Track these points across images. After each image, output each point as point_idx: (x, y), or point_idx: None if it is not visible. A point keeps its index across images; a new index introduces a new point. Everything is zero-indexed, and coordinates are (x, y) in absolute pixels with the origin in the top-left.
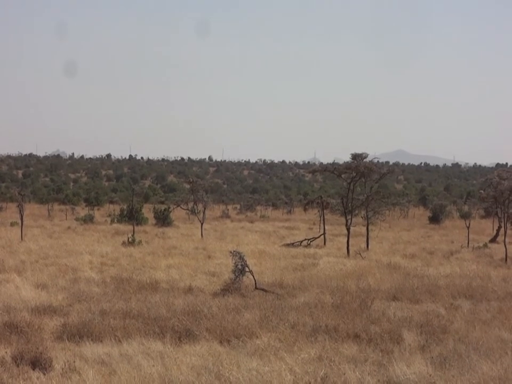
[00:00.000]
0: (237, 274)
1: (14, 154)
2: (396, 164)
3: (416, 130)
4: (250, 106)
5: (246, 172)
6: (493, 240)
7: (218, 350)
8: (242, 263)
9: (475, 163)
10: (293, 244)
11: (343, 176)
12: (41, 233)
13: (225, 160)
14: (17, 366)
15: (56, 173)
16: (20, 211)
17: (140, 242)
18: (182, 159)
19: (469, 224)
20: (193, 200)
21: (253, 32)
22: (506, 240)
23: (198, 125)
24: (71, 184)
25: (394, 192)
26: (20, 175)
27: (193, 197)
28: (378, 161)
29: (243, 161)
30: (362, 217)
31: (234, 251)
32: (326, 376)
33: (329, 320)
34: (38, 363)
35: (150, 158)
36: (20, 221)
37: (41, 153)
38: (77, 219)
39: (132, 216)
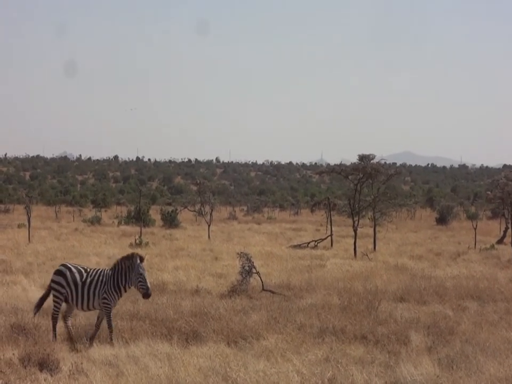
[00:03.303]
0: (244, 276)
1: (21, 156)
2: (403, 165)
3: (423, 131)
4: (256, 108)
5: (253, 173)
6: (500, 241)
7: (226, 352)
8: (249, 264)
9: (482, 164)
10: (300, 245)
11: (350, 177)
12: (49, 235)
13: (232, 162)
14: (25, 368)
15: (63, 175)
16: (27, 213)
17: (147, 244)
18: (189, 160)
19: (476, 225)
20: (200, 202)
21: (256, 31)
22: None
23: (204, 126)
24: (78, 185)
25: (401, 194)
26: (27, 177)
27: (200, 198)
28: (385, 162)
29: (250, 162)
30: (369, 219)
31: (241, 252)
32: (333, 378)
33: (336, 321)
34: (46, 364)
35: (157, 159)
36: (27, 223)
37: (48, 155)
38: (84, 221)
39: (139, 218)
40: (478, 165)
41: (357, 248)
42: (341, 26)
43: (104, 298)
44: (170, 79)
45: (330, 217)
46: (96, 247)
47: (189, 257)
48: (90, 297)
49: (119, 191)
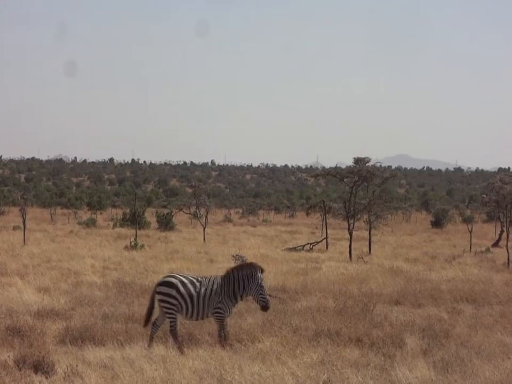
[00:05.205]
0: None
1: (16, 158)
2: (398, 168)
3: (419, 134)
4: (252, 110)
5: (248, 176)
6: (495, 244)
7: (221, 354)
8: None
9: (477, 167)
10: (295, 248)
11: (345, 180)
12: (44, 237)
13: (227, 164)
14: (20, 370)
15: (58, 177)
16: (22, 215)
17: (142, 246)
18: (185, 163)
19: (471, 228)
20: (195, 204)
21: (251, 34)
22: (509, 244)
23: (200, 129)
24: (74, 188)
25: (396, 197)
26: (22, 179)
27: (195, 201)
28: (380, 165)
29: (245, 165)
30: (364, 222)
31: (236, 255)
32: (329, 381)
33: (332, 324)
34: (40, 367)
35: (153, 162)
36: (22, 225)
37: (43, 157)
38: (79, 223)
39: (134, 220)
40: (473, 168)
41: (352, 251)
42: (336, 29)
43: (218, 307)
44: (167, 81)
45: (326, 220)
46: (91, 249)
47: (184, 259)
48: (206, 307)
49: (114, 193)
